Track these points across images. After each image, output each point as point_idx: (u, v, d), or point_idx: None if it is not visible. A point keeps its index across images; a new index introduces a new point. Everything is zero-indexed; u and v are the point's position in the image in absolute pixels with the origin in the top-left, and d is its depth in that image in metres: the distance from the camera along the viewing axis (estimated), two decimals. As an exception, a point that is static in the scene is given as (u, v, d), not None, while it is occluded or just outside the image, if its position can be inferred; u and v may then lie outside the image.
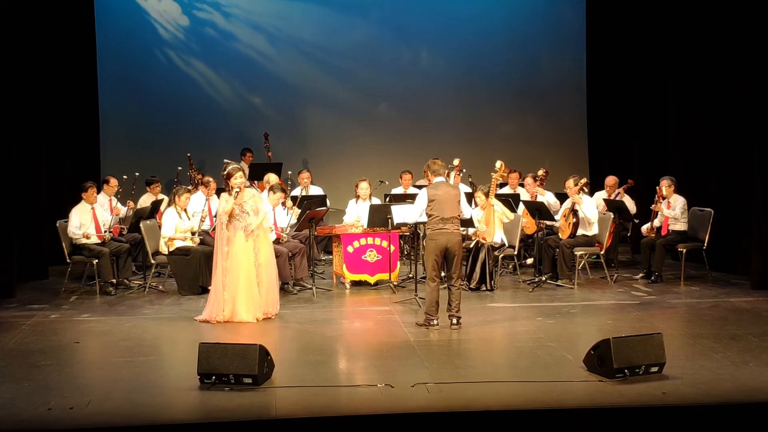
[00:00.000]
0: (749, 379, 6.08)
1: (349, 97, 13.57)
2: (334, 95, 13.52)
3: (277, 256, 9.14)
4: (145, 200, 11.12)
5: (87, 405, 5.65)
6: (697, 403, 5.61)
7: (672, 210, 9.99)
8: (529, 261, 10.86)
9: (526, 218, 10.28)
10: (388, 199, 11.10)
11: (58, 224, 9.83)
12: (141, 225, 9.73)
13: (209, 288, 8.46)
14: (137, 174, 11.32)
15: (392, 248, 9.75)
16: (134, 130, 13.14)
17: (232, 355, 5.95)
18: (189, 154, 12.03)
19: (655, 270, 9.94)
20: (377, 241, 9.82)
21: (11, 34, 9.92)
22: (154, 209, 10.40)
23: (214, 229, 9.65)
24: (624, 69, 12.89)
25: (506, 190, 11.47)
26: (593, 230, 9.85)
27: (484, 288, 9.48)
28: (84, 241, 9.68)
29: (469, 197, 10.60)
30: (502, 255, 9.88)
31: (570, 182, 9.83)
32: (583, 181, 9.91)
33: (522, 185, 11.47)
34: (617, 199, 10.94)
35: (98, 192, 10.24)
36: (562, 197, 10.70)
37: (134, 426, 5.36)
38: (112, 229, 10.23)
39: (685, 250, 9.94)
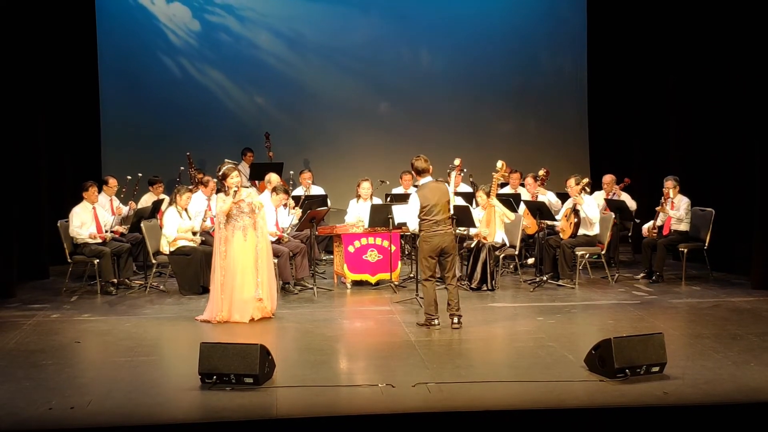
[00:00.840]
0: (750, 379, 6.08)
1: (351, 96, 13.57)
2: (336, 95, 13.52)
3: (278, 256, 9.15)
4: (147, 200, 11.12)
5: (88, 405, 5.65)
6: (698, 403, 5.61)
7: (676, 210, 9.99)
8: (530, 261, 10.86)
9: (527, 218, 10.27)
10: (389, 199, 11.10)
11: (59, 224, 9.84)
12: (142, 225, 9.74)
13: (210, 288, 8.45)
14: (140, 174, 11.32)
15: (393, 248, 9.75)
16: (135, 130, 13.12)
17: (233, 354, 5.95)
18: (188, 153, 12.04)
19: (656, 270, 9.94)
20: (378, 240, 9.82)
21: (13, 34, 9.93)
22: (155, 209, 10.40)
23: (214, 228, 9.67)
24: (625, 69, 12.89)
25: (507, 189, 11.47)
26: (594, 230, 9.85)
27: (485, 288, 9.48)
28: (85, 240, 9.68)
29: (470, 197, 10.63)
30: (503, 255, 9.88)
31: (572, 181, 9.83)
32: (585, 180, 9.91)
33: (523, 185, 11.48)
34: (615, 197, 10.94)
35: (99, 192, 10.24)
36: (563, 197, 10.70)
37: (135, 426, 5.36)
38: (114, 230, 10.22)
39: (686, 250, 9.94)
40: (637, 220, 11.08)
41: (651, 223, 10.25)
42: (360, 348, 7.45)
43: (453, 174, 10.65)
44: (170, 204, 9.79)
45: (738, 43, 9.96)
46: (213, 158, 12.24)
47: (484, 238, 9.65)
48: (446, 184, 8.09)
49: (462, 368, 6.47)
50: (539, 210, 10.02)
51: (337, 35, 13.51)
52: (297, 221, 10.01)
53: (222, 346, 6.05)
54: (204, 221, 9.96)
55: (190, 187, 10.63)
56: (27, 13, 10.40)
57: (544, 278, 9.83)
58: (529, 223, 10.32)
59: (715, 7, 10.44)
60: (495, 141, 13.56)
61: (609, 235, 10.02)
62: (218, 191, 8.49)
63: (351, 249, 9.79)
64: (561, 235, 9.98)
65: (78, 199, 9.96)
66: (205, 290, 9.13)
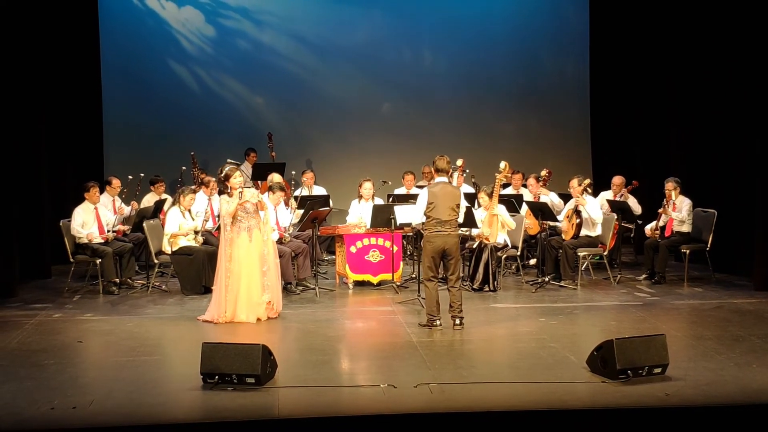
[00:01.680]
0: (752, 381, 6.07)
1: (353, 97, 13.57)
2: (338, 95, 13.52)
3: (280, 256, 9.15)
4: (149, 200, 11.13)
5: (90, 404, 5.66)
6: (700, 405, 5.61)
7: (678, 212, 9.98)
8: (532, 262, 10.85)
9: (529, 219, 10.27)
10: (391, 200, 11.10)
11: (61, 223, 9.85)
12: (144, 225, 9.75)
13: (212, 288, 8.46)
14: (142, 175, 11.32)
15: (395, 248, 9.75)
16: (137, 130, 13.13)
17: (235, 355, 5.95)
18: (192, 153, 12.06)
19: (658, 271, 9.93)
20: (380, 241, 9.82)
21: (15, 34, 9.94)
22: (157, 209, 10.41)
23: (217, 228, 9.68)
24: (627, 70, 12.89)
25: (509, 190, 11.47)
26: (596, 231, 9.84)
27: (487, 288, 9.48)
28: (87, 240, 9.69)
29: (473, 198, 10.62)
30: (505, 256, 9.88)
31: (574, 182, 9.83)
32: (587, 181, 9.90)
33: (525, 186, 11.47)
34: (621, 199, 10.94)
35: (101, 192, 10.24)
36: (565, 198, 10.70)
37: (137, 425, 5.36)
38: (116, 230, 10.23)
39: (688, 251, 9.93)
40: (640, 222, 11.07)
41: (653, 224, 10.25)
42: (362, 348, 7.45)
43: (455, 174, 10.65)
44: (173, 204, 9.79)
45: (740, 44, 9.95)
46: (215, 158, 12.27)
47: (486, 238, 9.65)
48: (458, 188, 8.09)
49: (464, 369, 6.47)
50: (541, 211, 10.02)
51: (339, 35, 13.51)
52: (297, 220, 10.01)
53: (224, 346, 6.06)
54: (205, 221, 9.96)
55: (193, 187, 10.63)
56: (29, 13, 10.41)
57: (546, 279, 9.82)
58: (531, 224, 10.31)
59: (716, 9, 10.43)
60: (497, 141, 13.56)
61: (612, 237, 10.02)
62: (221, 192, 8.48)
63: (353, 249, 9.79)
64: (563, 235, 9.98)
65: (80, 199, 9.96)
66: (207, 290, 9.13)
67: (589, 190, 10.04)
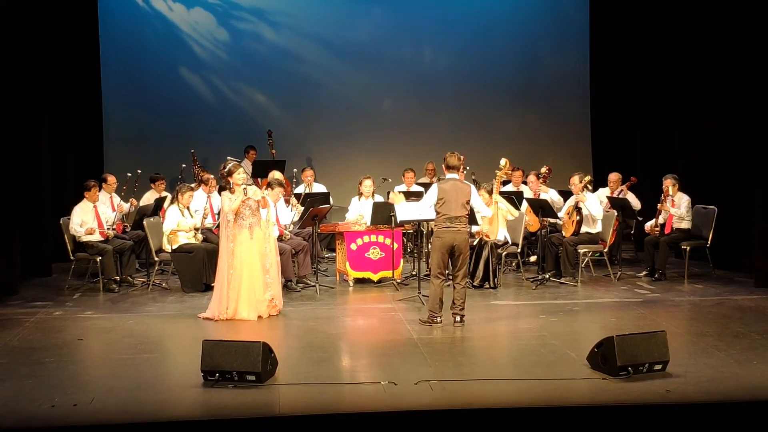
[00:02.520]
0: (753, 377, 6.07)
1: (353, 94, 13.56)
2: (339, 93, 13.52)
3: (280, 254, 9.15)
4: (149, 197, 11.13)
5: (90, 402, 5.66)
6: (701, 401, 5.61)
7: (677, 209, 9.98)
8: (533, 259, 10.86)
9: (529, 216, 10.27)
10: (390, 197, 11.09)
11: (61, 221, 9.85)
12: (144, 222, 9.75)
13: (212, 285, 8.46)
14: (140, 171, 11.32)
15: (395, 246, 9.75)
16: (137, 128, 13.13)
17: (236, 352, 5.95)
18: (193, 151, 12.06)
19: (658, 268, 9.93)
20: (380, 238, 9.82)
21: (16, 33, 9.93)
22: (157, 207, 10.41)
23: (217, 226, 9.68)
24: (628, 66, 12.88)
25: (509, 187, 11.46)
26: (597, 228, 9.84)
27: (488, 286, 9.48)
28: (87, 238, 9.69)
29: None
30: (505, 253, 9.88)
31: (575, 179, 9.83)
32: (588, 178, 9.91)
33: (525, 183, 11.47)
34: (620, 196, 10.94)
35: (99, 190, 10.23)
36: (565, 194, 10.69)
37: (138, 423, 5.36)
38: (115, 227, 10.23)
39: (688, 248, 9.93)
40: (640, 218, 11.07)
41: (653, 221, 10.25)
42: (362, 346, 7.45)
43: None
44: (172, 202, 9.79)
45: (740, 41, 9.94)
46: (215, 156, 12.27)
47: (487, 235, 9.65)
48: (470, 185, 8.07)
49: (464, 366, 6.47)
50: (541, 207, 10.02)
51: (340, 33, 13.50)
52: (298, 218, 10.01)
53: (224, 344, 6.06)
54: (204, 218, 9.96)
55: (192, 185, 10.63)
56: (30, 12, 10.40)
57: (547, 276, 9.82)
58: (531, 221, 10.31)
59: (716, 4, 10.42)
60: (497, 138, 13.55)
61: (612, 233, 10.02)
62: (221, 189, 8.48)
63: (353, 247, 9.79)
64: (563, 232, 9.98)
65: (80, 197, 9.96)
66: (207, 288, 9.13)
67: (590, 187, 10.04)
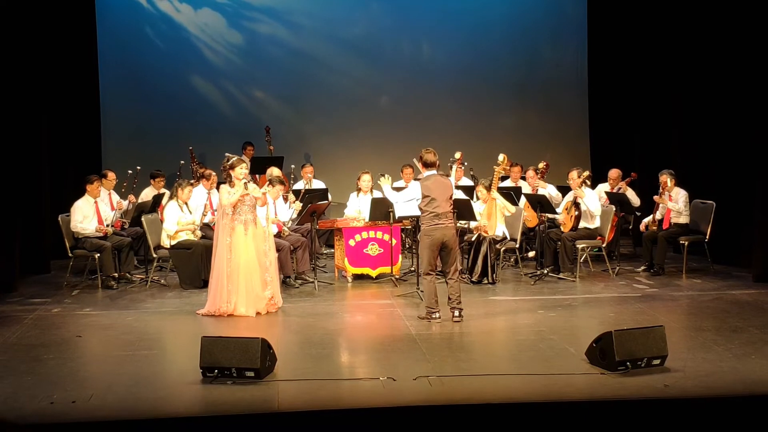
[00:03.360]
0: (751, 372, 6.08)
1: (351, 90, 13.54)
2: (336, 88, 13.49)
3: (279, 250, 9.15)
4: (148, 194, 11.11)
5: (89, 399, 5.66)
6: (699, 396, 5.62)
7: (675, 203, 9.98)
8: (531, 254, 10.86)
9: (527, 211, 10.27)
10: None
11: (59, 218, 9.84)
12: (143, 219, 9.74)
13: (210, 280, 8.42)
14: (139, 168, 11.31)
15: (394, 242, 9.75)
16: (135, 124, 13.11)
17: (235, 348, 5.95)
18: (191, 148, 12.05)
19: (656, 263, 9.94)
20: (379, 234, 9.82)
21: (15, 29, 9.91)
22: (156, 203, 10.40)
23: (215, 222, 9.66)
24: (625, 61, 12.86)
25: (508, 183, 11.47)
26: (595, 223, 9.85)
27: (486, 281, 9.48)
28: (87, 234, 9.68)
29: (471, 190, 10.62)
30: (503, 248, 9.88)
31: (573, 174, 9.83)
32: (586, 174, 9.91)
33: (524, 178, 11.47)
34: (620, 192, 10.94)
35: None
36: (564, 190, 10.70)
37: (136, 419, 5.36)
38: (114, 223, 10.23)
39: (687, 243, 9.94)
40: (638, 213, 11.07)
41: (650, 217, 10.25)
42: (361, 341, 7.45)
43: (454, 167, 10.66)
44: (171, 198, 9.78)
45: (739, 34, 9.92)
46: (213, 152, 12.25)
47: (485, 231, 9.65)
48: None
49: (463, 361, 6.47)
50: (540, 203, 10.02)
51: (337, 28, 13.48)
52: (297, 215, 10.01)
53: (223, 340, 6.06)
54: (204, 215, 9.96)
55: (192, 181, 10.62)
56: (28, 9, 10.38)
57: (545, 271, 9.83)
58: (529, 216, 10.32)
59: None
60: (496, 134, 13.54)
61: (611, 229, 10.02)
62: (220, 184, 8.47)
63: (352, 243, 9.79)
64: (562, 228, 9.98)
65: (79, 193, 9.95)
66: (206, 284, 9.10)
67: (588, 183, 10.05)
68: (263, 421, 5.34)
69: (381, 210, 9.50)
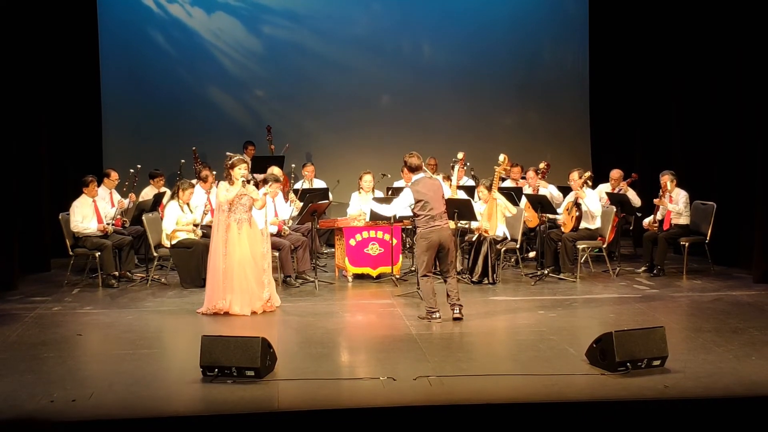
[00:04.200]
0: (751, 373, 6.08)
1: (352, 89, 13.54)
2: (337, 88, 13.49)
3: (279, 249, 9.16)
4: (148, 193, 11.12)
5: (89, 397, 5.66)
6: (699, 397, 5.61)
7: (675, 204, 9.98)
8: (532, 254, 10.86)
9: (528, 212, 10.27)
10: (390, 193, 11.08)
11: (60, 217, 9.85)
12: (143, 218, 9.75)
13: (206, 277, 8.40)
14: (139, 166, 11.31)
15: (394, 241, 9.75)
16: (136, 123, 13.11)
17: (235, 347, 5.95)
18: (194, 148, 12.04)
19: (657, 264, 9.93)
20: (379, 234, 9.82)
21: (16, 28, 9.92)
22: (156, 202, 10.40)
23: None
24: (627, 61, 12.87)
25: (508, 183, 11.46)
26: (596, 224, 9.85)
27: (487, 281, 9.48)
28: (88, 233, 9.68)
29: (472, 190, 10.62)
30: (504, 248, 9.88)
31: (575, 174, 9.83)
32: (587, 174, 9.91)
33: (524, 178, 11.47)
34: (621, 192, 10.94)
35: (99, 185, 10.23)
36: (564, 190, 10.70)
37: (136, 418, 5.36)
38: (114, 222, 10.23)
39: (687, 244, 9.93)
40: (639, 214, 11.07)
41: (650, 218, 10.25)
42: (361, 341, 7.45)
43: (456, 167, 10.66)
44: (172, 198, 9.78)
45: (740, 34, 9.91)
46: (214, 152, 12.25)
47: (486, 231, 9.65)
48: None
49: (463, 361, 6.47)
50: (540, 203, 10.02)
51: (338, 27, 13.47)
52: (296, 213, 10.00)
53: (223, 339, 6.06)
54: (204, 214, 9.95)
55: (193, 181, 10.62)
56: (30, 8, 10.38)
57: (546, 272, 9.83)
58: (530, 217, 10.32)
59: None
60: (497, 134, 13.54)
61: (611, 229, 10.02)
62: (218, 181, 8.47)
63: (352, 242, 9.79)
64: (562, 228, 9.98)
65: (79, 192, 9.95)
66: (206, 283, 9.11)
67: (590, 183, 10.05)
68: (263, 420, 5.34)
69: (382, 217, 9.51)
